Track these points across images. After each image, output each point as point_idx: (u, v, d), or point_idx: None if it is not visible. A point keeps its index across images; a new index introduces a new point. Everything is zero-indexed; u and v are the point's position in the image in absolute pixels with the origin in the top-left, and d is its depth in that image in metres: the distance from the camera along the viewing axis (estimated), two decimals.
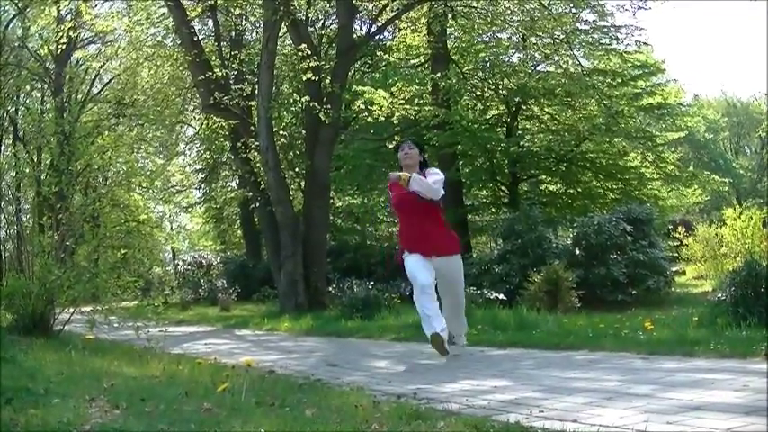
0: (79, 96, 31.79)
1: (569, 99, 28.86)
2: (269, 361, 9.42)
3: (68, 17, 25.75)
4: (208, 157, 36.75)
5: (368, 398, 5.64)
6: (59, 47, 26.57)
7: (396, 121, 24.40)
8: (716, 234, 26.03)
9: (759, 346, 7.25)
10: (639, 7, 25.53)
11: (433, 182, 8.73)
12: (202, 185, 40.50)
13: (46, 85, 32.38)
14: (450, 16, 25.36)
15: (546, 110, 30.63)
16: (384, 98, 23.49)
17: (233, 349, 12.70)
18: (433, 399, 5.74)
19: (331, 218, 30.65)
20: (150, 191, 33.90)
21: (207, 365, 7.62)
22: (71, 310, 11.07)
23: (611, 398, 5.34)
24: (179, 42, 24.49)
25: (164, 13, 24.93)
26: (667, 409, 4.76)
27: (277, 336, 15.96)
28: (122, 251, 13.48)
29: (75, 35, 25.89)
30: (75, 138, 14.14)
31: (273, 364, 8.59)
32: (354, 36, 25.45)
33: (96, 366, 7.26)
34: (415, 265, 8.87)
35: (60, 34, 23.87)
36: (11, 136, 31.44)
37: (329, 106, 22.08)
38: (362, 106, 24.20)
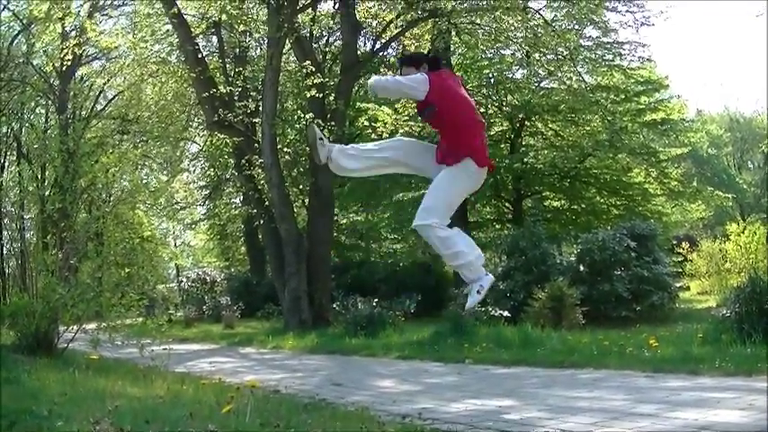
0: (83, 113, 31.79)
1: (573, 115, 28.90)
2: (274, 380, 9.42)
3: (73, 33, 25.85)
4: (212, 173, 36.73)
5: (373, 419, 5.63)
6: (64, 63, 26.53)
7: None
8: (720, 249, 26.03)
9: (764, 363, 7.23)
10: (642, 23, 25.65)
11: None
12: (206, 202, 40.52)
13: (50, 102, 32.37)
14: (453, 33, 25.39)
15: (550, 126, 30.64)
16: (388, 115, 23.54)
17: (237, 368, 12.69)
18: (437, 419, 5.74)
19: (335, 235, 30.62)
20: (154, 207, 33.92)
21: (211, 385, 7.61)
22: (75, 328, 11.04)
23: (617, 418, 5.33)
24: (183, 59, 24.51)
25: (168, 30, 25.01)
26: (673, 430, 4.74)
27: (281, 354, 15.95)
28: (126, 269, 13.46)
29: (80, 51, 25.91)
30: (80, 155, 14.18)
31: (278, 384, 8.59)
32: (358, 52, 25.49)
33: (100, 386, 7.25)
34: None
35: (65, 50, 23.91)
36: (15, 153, 31.45)
37: (333, 123, 22.10)
38: (366, 123, 24.24)
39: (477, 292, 6.87)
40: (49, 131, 30.12)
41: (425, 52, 7.63)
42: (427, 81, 6.70)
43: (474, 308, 7.32)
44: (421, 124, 25.12)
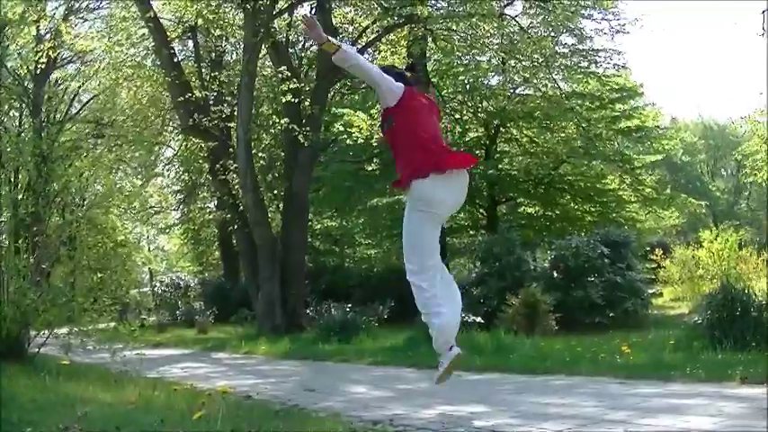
0: (58, 116, 31.62)
1: (548, 122, 28.99)
2: (246, 386, 9.39)
3: (48, 36, 25.67)
4: (186, 178, 36.61)
5: (344, 425, 5.63)
6: (38, 66, 26.44)
7: (374, 144, 24.40)
8: (693, 256, 26.17)
9: (734, 370, 7.28)
10: (618, 31, 25.78)
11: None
12: (181, 206, 40.35)
13: (24, 105, 32.19)
14: (429, 39, 25.41)
15: (525, 132, 30.73)
16: (363, 120, 23.49)
17: (210, 373, 12.65)
18: (409, 426, 5.74)
19: (309, 240, 30.60)
20: (128, 212, 33.77)
21: (183, 391, 7.57)
22: (46, 333, 10.96)
23: (588, 424, 5.35)
24: (159, 63, 24.45)
25: (144, 34, 24.93)
26: None
27: (254, 359, 15.93)
28: (99, 273, 13.37)
29: (55, 54, 25.75)
30: (53, 159, 14.08)
31: (250, 390, 8.56)
32: None
33: (71, 392, 7.20)
34: None
35: (39, 53, 23.80)
36: None
37: (308, 128, 22.09)
38: (341, 128, 24.18)
39: (438, 366, 6.12)
40: (22, 135, 29.93)
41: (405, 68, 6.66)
42: (403, 91, 6.21)
43: (442, 381, 6.13)
44: None
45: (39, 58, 24.31)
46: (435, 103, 6.75)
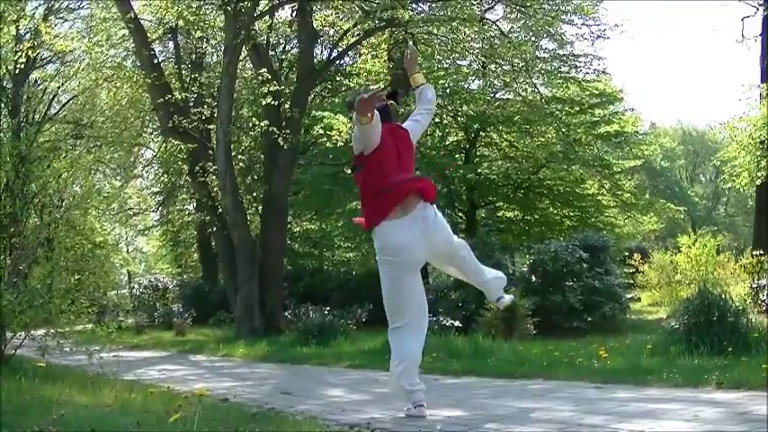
0: (37, 117, 31.48)
1: (528, 126, 29.11)
2: (223, 388, 9.37)
3: (27, 36, 25.57)
4: (166, 179, 36.51)
5: (321, 428, 5.62)
6: (18, 66, 26.32)
7: None
8: (671, 261, 26.27)
9: (710, 375, 7.31)
10: (598, 36, 25.95)
11: None
12: (159, 208, 40.28)
13: (2, 105, 32.05)
14: (410, 42, 25.45)
15: (504, 137, 30.84)
16: (343, 123, 23.49)
17: (187, 376, 12.62)
18: (386, 429, 5.73)
19: (288, 242, 30.58)
20: (107, 213, 33.67)
21: (160, 394, 7.54)
22: (23, 335, 10.91)
23: (564, 429, 5.36)
24: (139, 64, 24.38)
25: (124, 35, 24.86)
26: None
27: (232, 362, 15.89)
28: (77, 275, 13.31)
29: (34, 54, 25.66)
30: (31, 159, 13.99)
31: (228, 392, 8.54)
32: (315, 61, 25.50)
33: (47, 395, 7.16)
34: None
35: (19, 53, 23.70)
36: None
37: (288, 131, 22.05)
38: (321, 131, 24.18)
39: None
40: (0, 135, 29.77)
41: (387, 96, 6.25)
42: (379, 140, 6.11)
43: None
44: None
45: (18, 58, 24.19)
46: (407, 135, 6.59)
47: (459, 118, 30.08)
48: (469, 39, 24.45)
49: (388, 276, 6.25)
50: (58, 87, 31.66)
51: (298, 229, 35.66)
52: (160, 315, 32.01)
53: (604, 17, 33.27)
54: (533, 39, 26.28)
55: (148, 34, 23.89)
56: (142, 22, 23.66)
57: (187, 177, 29.61)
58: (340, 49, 25.62)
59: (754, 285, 21.77)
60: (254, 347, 17.40)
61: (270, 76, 22.14)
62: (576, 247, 20.09)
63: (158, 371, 13.46)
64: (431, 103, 6.96)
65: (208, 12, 24.55)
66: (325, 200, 31.56)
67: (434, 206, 6.47)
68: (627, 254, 29.22)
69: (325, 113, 25.46)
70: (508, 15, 26.21)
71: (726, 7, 63.19)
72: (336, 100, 29.71)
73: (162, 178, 36.92)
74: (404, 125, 6.67)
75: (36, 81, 32.24)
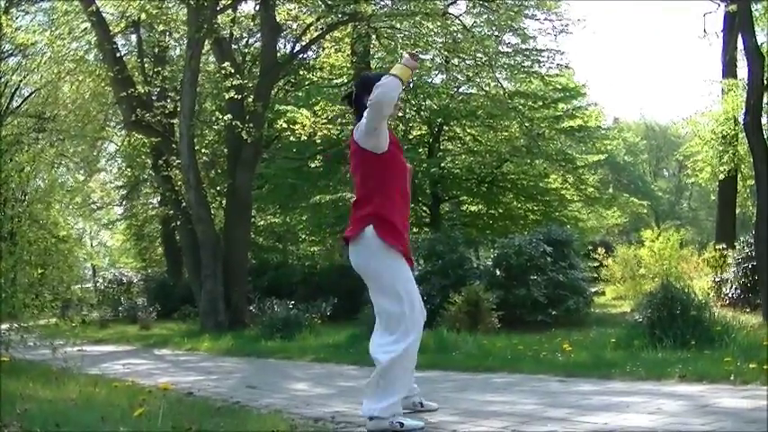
0: None
1: (491, 121, 29.17)
2: (187, 383, 9.34)
3: None
4: (129, 173, 36.32)
5: (285, 422, 5.62)
6: None
7: (318, 141, 24.37)
8: (634, 255, 26.46)
9: (673, 368, 7.35)
10: (561, 31, 26.06)
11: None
12: (123, 202, 40.10)
13: None
14: (373, 37, 25.44)
15: (468, 131, 30.89)
16: (307, 117, 23.48)
17: (152, 370, 12.57)
18: (350, 423, 5.74)
19: (252, 236, 30.50)
20: (70, 207, 33.44)
21: (124, 388, 7.51)
22: None
23: (527, 422, 5.37)
24: (101, 58, 24.23)
25: (86, 28, 24.68)
26: None
27: (197, 356, 15.85)
28: (41, 269, 13.24)
29: None
30: None
31: (192, 386, 8.52)
32: (278, 55, 25.43)
33: (10, 389, 7.09)
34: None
35: None
36: None
37: (252, 125, 21.97)
38: (285, 125, 24.14)
39: None
40: None
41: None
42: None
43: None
44: (339, 128, 25.11)
45: None
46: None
47: (422, 112, 30.12)
48: (432, 33, 24.45)
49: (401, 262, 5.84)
50: (20, 81, 31.36)
51: (262, 223, 35.60)
52: (125, 309, 31.90)
53: (567, 12, 33.27)
54: (496, 33, 26.37)
55: (111, 27, 23.73)
56: (104, 15, 23.53)
57: (151, 171, 29.48)
58: (303, 43, 25.55)
59: (716, 279, 22.01)
60: (219, 341, 17.36)
61: (233, 70, 22.05)
62: (539, 241, 20.13)
63: (123, 365, 13.39)
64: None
65: (170, 5, 24.45)
66: (289, 194, 31.49)
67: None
68: (591, 248, 29.37)
69: (289, 107, 25.44)
70: (471, 10, 26.31)
71: (688, 3, 63.66)
72: (300, 94, 29.66)
73: (125, 172, 36.74)
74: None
75: None
